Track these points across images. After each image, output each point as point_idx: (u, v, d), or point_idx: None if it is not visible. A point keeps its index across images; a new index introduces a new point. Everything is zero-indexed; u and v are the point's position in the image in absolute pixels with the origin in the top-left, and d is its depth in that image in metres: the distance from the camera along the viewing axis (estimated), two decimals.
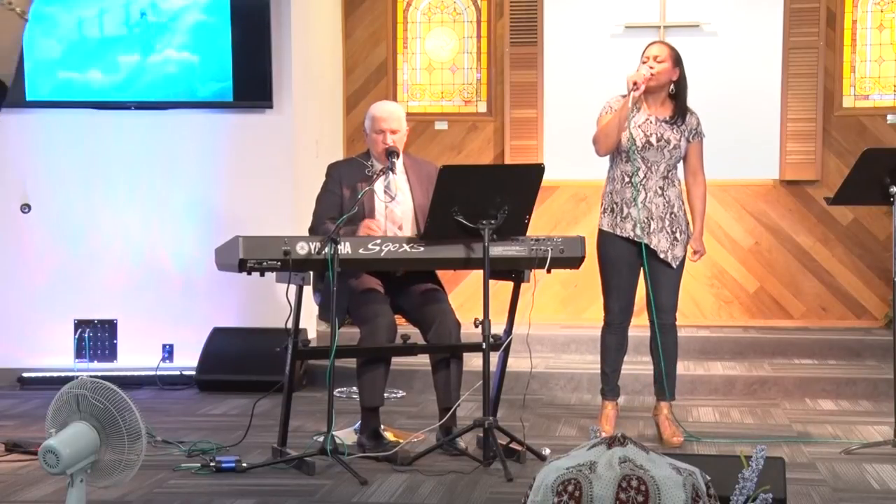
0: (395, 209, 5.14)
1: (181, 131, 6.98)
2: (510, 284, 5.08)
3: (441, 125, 8.08)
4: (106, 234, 7.01)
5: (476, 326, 4.71)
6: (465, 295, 7.69)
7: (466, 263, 4.94)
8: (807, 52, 7.71)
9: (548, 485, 2.54)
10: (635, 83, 5.16)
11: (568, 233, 6.99)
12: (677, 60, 5.26)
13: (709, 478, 2.64)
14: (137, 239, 7.02)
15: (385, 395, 5.13)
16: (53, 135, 6.97)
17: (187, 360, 6.82)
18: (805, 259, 7.79)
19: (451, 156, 7.98)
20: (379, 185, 5.11)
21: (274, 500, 4.26)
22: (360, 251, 4.69)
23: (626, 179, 5.23)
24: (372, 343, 4.91)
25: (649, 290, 5.24)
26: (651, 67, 5.21)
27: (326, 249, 4.57)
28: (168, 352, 6.96)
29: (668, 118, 5.26)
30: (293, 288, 4.64)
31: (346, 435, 5.03)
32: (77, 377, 3.51)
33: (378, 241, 4.74)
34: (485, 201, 4.71)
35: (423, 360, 5.20)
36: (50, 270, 7.00)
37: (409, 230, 5.11)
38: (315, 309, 5.41)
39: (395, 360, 5.20)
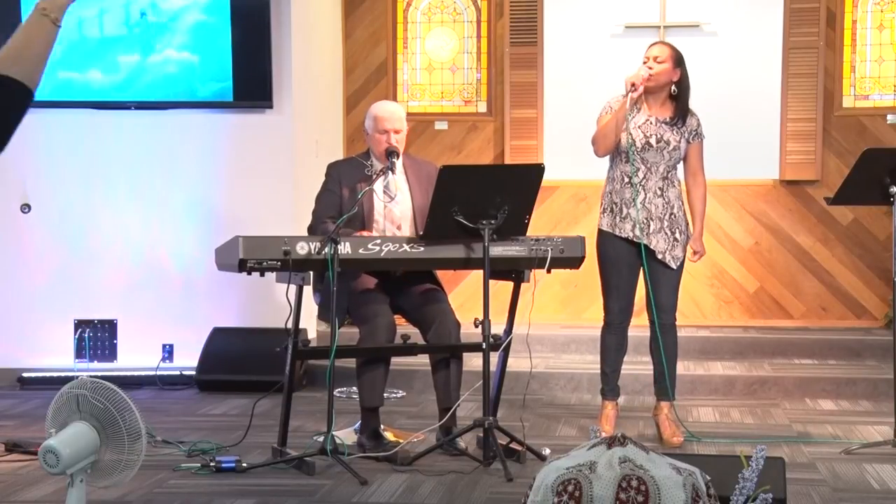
0: (395, 209, 5.14)
1: (181, 131, 6.98)
2: (510, 284, 5.08)
3: (441, 125, 8.07)
4: (106, 234, 7.01)
5: (476, 326, 4.71)
6: (465, 295, 7.68)
7: (466, 263, 4.95)
8: (807, 52, 7.71)
9: (548, 485, 2.54)
10: (633, 84, 5.16)
11: (568, 233, 6.98)
12: (679, 61, 5.25)
13: (709, 478, 2.64)
14: (137, 239, 7.01)
15: (385, 395, 5.13)
16: (53, 135, 6.96)
17: (187, 360, 6.82)
18: (805, 259, 7.79)
19: (451, 156, 7.97)
20: (378, 185, 5.11)
21: (274, 500, 4.26)
22: (360, 251, 4.69)
23: (626, 180, 5.23)
24: (372, 343, 4.91)
25: (649, 290, 5.24)
26: (650, 68, 5.20)
27: (326, 249, 4.57)
28: (168, 352, 6.95)
29: (668, 119, 5.25)
30: (293, 288, 4.64)
31: (346, 435, 5.03)
32: (77, 377, 3.50)
33: (378, 241, 4.74)
34: (485, 201, 4.70)
35: (423, 360, 5.20)
36: (50, 270, 6.99)
37: (407, 230, 5.11)
38: (315, 309, 5.40)
39: (394, 360, 5.21)
